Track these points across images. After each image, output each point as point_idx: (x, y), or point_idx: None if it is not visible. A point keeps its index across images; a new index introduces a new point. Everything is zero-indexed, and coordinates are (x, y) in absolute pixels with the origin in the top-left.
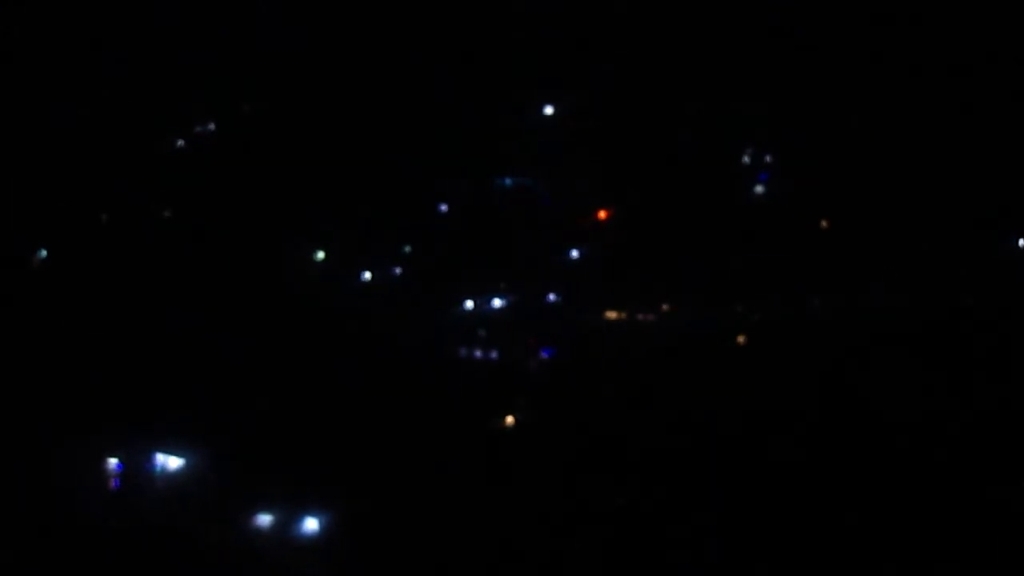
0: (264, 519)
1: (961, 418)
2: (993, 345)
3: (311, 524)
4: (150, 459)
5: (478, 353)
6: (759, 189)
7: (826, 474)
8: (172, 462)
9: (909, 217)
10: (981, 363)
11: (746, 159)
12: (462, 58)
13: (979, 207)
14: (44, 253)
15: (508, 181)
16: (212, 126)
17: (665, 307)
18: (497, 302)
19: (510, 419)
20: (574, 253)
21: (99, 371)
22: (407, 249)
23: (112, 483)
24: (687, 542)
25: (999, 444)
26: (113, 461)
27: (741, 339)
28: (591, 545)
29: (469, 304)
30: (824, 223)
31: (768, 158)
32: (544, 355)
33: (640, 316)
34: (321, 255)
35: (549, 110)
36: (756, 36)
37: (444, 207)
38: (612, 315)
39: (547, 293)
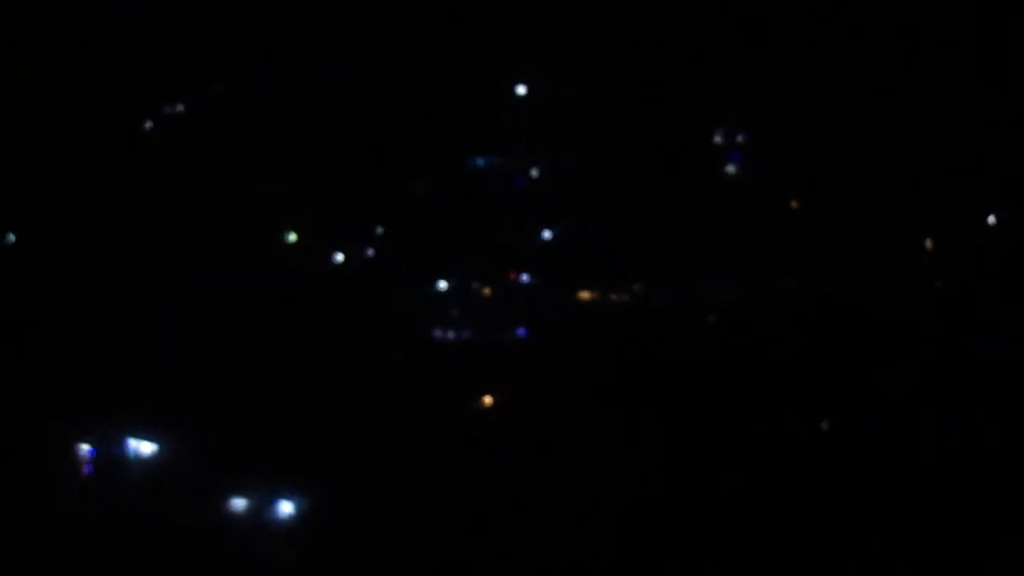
0: (239, 503)
1: (942, 399)
2: (966, 324)
3: (286, 508)
4: (123, 445)
5: (452, 334)
6: (731, 169)
7: (806, 454)
8: (145, 447)
9: (882, 196)
10: (954, 341)
11: (718, 139)
12: (433, 37)
13: (952, 188)
14: (12, 238)
15: (481, 161)
16: (180, 107)
17: (637, 287)
18: (471, 283)
19: (488, 399)
20: (547, 234)
21: (69, 357)
22: (379, 230)
23: (85, 469)
24: (667, 522)
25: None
26: (85, 447)
27: (712, 318)
28: (569, 526)
29: (443, 285)
30: (794, 203)
31: (740, 138)
32: (519, 334)
33: (614, 296)
34: (293, 237)
35: (522, 90)
36: (728, 20)
37: (417, 188)
38: (585, 295)
39: (520, 273)
